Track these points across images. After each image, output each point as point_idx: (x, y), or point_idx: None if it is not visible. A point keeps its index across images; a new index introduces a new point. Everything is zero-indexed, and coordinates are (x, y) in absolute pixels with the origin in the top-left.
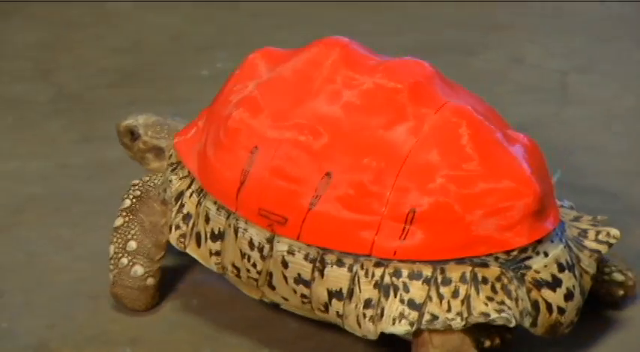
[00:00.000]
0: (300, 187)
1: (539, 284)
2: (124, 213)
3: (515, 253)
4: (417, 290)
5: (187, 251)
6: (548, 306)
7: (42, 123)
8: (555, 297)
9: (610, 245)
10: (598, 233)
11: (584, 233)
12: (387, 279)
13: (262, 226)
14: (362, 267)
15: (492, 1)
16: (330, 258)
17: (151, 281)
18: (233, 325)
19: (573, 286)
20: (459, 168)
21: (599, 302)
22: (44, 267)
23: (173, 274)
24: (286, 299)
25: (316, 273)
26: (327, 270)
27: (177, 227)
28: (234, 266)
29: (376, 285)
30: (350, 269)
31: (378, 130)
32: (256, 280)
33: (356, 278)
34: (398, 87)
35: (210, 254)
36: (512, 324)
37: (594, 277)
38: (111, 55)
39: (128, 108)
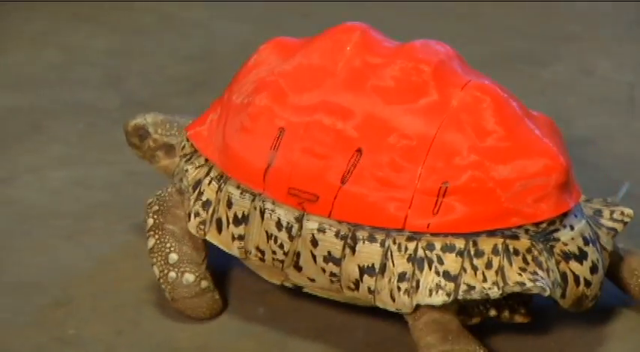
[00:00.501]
0: (331, 164)
1: (567, 257)
2: (152, 232)
3: (544, 225)
4: (452, 263)
5: (207, 237)
6: (576, 278)
7: (111, 130)
8: (582, 269)
9: (625, 223)
10: (612, 212)
11: (599, 212)
12: (420, 253)
13: (292, 205)
14: (394, 242)
15: (563, 13)
16: (361, 234)
17: (204, 283)
18: (299, 333)
19: (597, 259)
20: (489, 143)
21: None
22: (112, 274)
23: (238, 283)
24: (313, 280)
25: (347, 250)
26: (359, 246)
27: (197, 214)
28: (258, 249)
29: (410, 259)
30: (382, 244)
31: (406, 108)
32: (282, 261)
33: (389, 253)
34: (422, 67)
35: (233, 238)
36: (547, 293)
37: (611, 254)
38: (181, 63)
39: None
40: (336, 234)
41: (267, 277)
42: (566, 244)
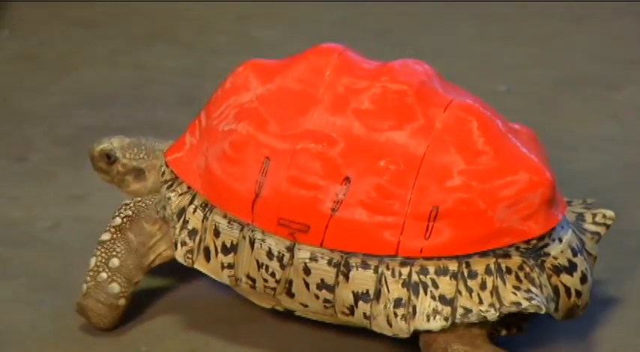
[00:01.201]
0: (320, 194)
1: (558, 270)
2: (113, 230)
3: (534, 242)
4: (446, 286)
5: (195, 266)
6: (567, 290)
7: None
8: (573, 281)
9: (607, 226)
10: (594, 215)
11: (581, 216)
12: (414, 277)
13: (282, 235)
14: (387, 268)
15: (636, 35)
16: (354, 260)
17: (122, 302)
18: None
19: (586, 269)
20: (476, 164)
21: None
22: (185, 292)
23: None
24: (305, 306)
25: (340, 277)
26: (352, 273)
27: (184, 243)
28: (248, 277)
29: (404, 284)
30: (375, 270)
31: (390, 132)
32: (274, 289)
33: (382, 279)
34: (404, 88)
35: (223, 267)
36: (543, 311)
37: (596, 259)
38: None
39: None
40: (329, 262)
41: (257, 301)
42: (556, 258)
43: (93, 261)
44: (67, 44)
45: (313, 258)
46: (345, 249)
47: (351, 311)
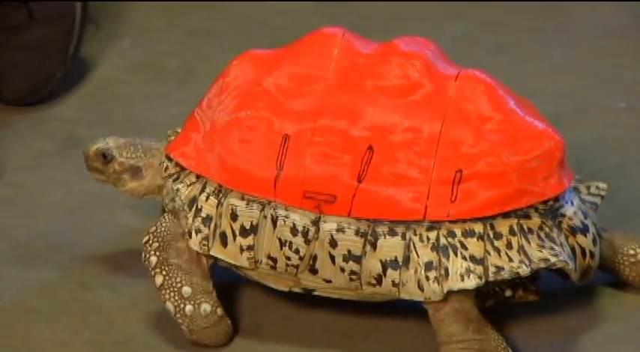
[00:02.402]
0: (345, 164)
1: (574, 231)
2: (158, 269)
3: (551, 203)
4: (475, 247)
5: (212, 252)
6: (582, 251)
7: None
8: (587, 242)
9: (602, 197)
10: (589, 187)
11: (576, 189)
12: (442, 241)
13: (308, 208)
14: (415, 233)
15: None
16: (381, 229)
17: (219, 311)
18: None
19: (595, 232)
20: (493, 128)
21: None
22: (300, 302)
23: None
24: (329, 281)
25: (368, 247)
26: (380, 241)
27: (198, 231)
28: (269, 257)
29: (433, 248)
30: (403, 236)
31: (408, 102)
32: (297, 266)
33: (411, 245)
34: (415, 62)
35: (242, 250)
36: (570, 266)
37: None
38: None
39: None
40: (356, 232)
41: (273, 285)
42: (571, 219)
43: (170, 306)
44: (189, 54)
45: (340, 229)
46: (373, 217)
47: (379, 280)
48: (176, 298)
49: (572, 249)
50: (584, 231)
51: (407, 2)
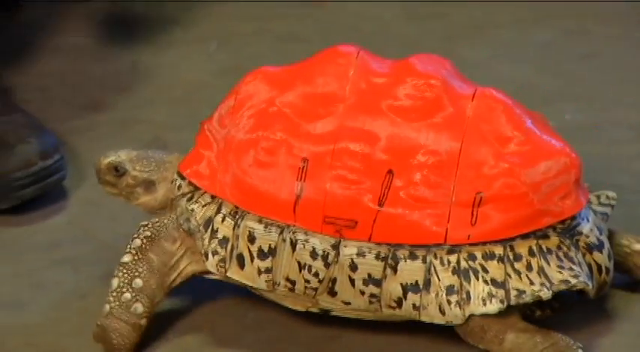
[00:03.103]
0: (365, 189)
1: (590, 248)
2: (134, 251)
3: (568, 221)
4: (495, 270)
5: (228, 274)
6: (599, 268)
7: None
8: (603, 258)
9: (612, 206)
10: (598, 197)
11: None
12: (463, 264)
13: (328, 233)
14: (435, 257)
15: None
16: (402, 252)
17: (144, 322)
18: None
19: (609, 247)
20: (511, 148)
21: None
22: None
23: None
24: (347, 303)
25: (388, 270)
26: (401, 265)
27: (215, 252)
28: (288, 280)
29: (454, 271)
30: (424, 260)
31: (426, 124)
32: (315, 289)
33: (432, 268)
34: (433, 82)
35: (260, 272)
36: (590, 287)
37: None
38: None
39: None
40: (377, 256)
41: (290, 305)
42: (587, 236)
43: (115, 282)
44: (277, 59)
45: (360, 254)
46: (394, 241)
47: (399, 303)
48: (125, 281)
49: (589, 266)
50: (600, 247)
51: (495, 9)
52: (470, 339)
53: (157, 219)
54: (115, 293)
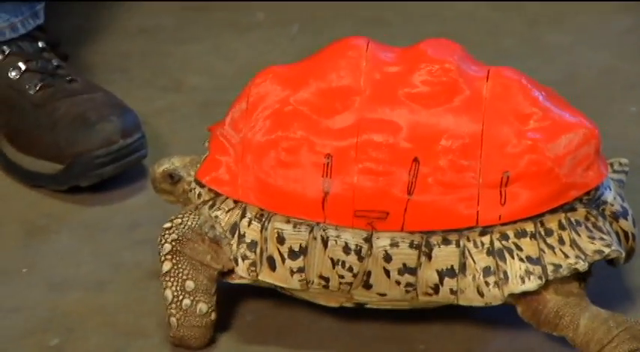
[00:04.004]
0: (393, 179)
1: (616, 216)
2: (169, 257)
3: (592, 192)
4: (529, 247)
5: (260, 277)
6: (625, 235)
7: None
8: (628, 225)
9: (626, 173)
10: (612, 164)
11: None
12: (497, 244)
13: (360, 227)
14: (468, 240)
15: None
16: (435, 239)
17: (214, 315)
18: None
19: (633, 213)
20: (532, 125)
21: None
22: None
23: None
24: (383, 295)
25: (423, 258)
26: (435, 252)
27: (245, 257)
28: (321, 277)
29: (489, 252)
30: (457, 244)
31: (446, 109)
32: (350, 284)
33: (466, 252)
34: (448, 66)
35: (292, 272)
36: (623, 255)
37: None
38: None
39: None
40: (410, 245)
41: (324, 302)
42: (612, 204)
43: (168, 293)
44: None
45: (394, 244)
46: (426, 228)
47: (436, 290)
48: (177, 288)
49: (617, 234)
50: (625, 214)
51: None
52: (544, 327)
53: (179, 220)
54: (173, 305)
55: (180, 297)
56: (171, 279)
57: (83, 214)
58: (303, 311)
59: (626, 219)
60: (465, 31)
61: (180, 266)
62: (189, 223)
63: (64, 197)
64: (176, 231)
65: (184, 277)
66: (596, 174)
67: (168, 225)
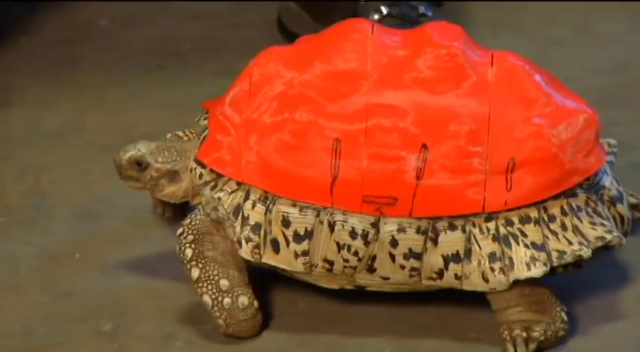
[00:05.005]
0: (402, 165)
1: (614, 201)
2: (194, 262)
3: (592, 177)
4: (534, 233)
5: (264, 260)
6: (621, 219)
7: None
8: (624, 209)
9: (615, 154)
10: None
11: None
12: (502, 230)
13: (368, 212)
14: (474, 225)
15: None
16: (441, 224)
17: (256, 303)
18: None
19: (627, 197)
20: (536, 110)
21: None
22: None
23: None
24: (386, 278)
25: (429, 243)
26: (441, 237)
27: (249, 239)
28: (326, 260)
29: (494, 238)
30: (463, 230)
31: (452, 94)
32: (354, 268)
33: (471, 237)
34: (454, 51)
35: (296, 255)
36: (623, 242)
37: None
38: (594, 76)
39: (622, 128)
40: (417, 231)
41: (325, 284)
42: (610, 189)
43: (207, 299)
44: None
45: (401, 229)
46: (434, 214)
47: (440, 275)
48: (214, 291)
49: (614, 219)
50: (622, 199)
51: None
52: None
53: (188, 220)
54: (216, 308)
55: (220, 298)
56: (205, 284)
57: (135, 199)
58: (354, 298)
59: (622, 204)
60: (518, 18)
61: (208, 268)
62: (198, 217)
63: (116, 181)
64: (190, 232)
65: (216, 278)
66: (596, 159)
67: (180, 230)
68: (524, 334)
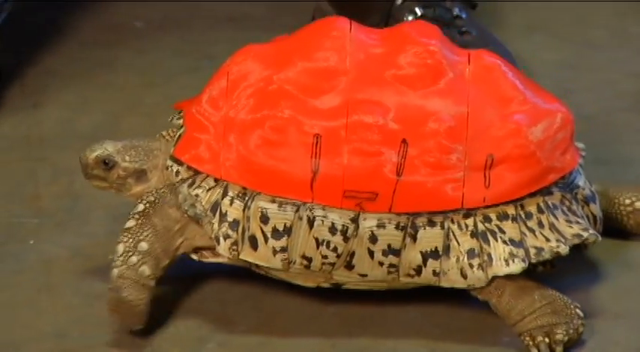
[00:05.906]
0: (383, 160)
1: (587, 200)
2: (137, 216)
3: (567, 176)
4: (511, 230)
5: (242, 256)
6: (594, 219)
7: None
8: (596, 209)
9: (583, 157)
10: None
11: None
12: (480, 227)
13: (348, 207)
14: (452, 222)
15: None
16: (420, 221)
17: (152, 283)
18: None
19: (597, 197)
20: (514, 108)
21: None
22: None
23: None
24: (364, 275)
25: (408, 240)
26: (420, 233)
27: (227, 236)
28: (304, 257)
29: (473, 235)
30: (442, 226)
31: (431, 91)
32: (333, 264)
33: (450, 234)
34: (432, 49)
35: (275, 252)
36: (599, 239)
37: None
38: (631, 79)
39: None
40: (397, 226)
41: (301, 282)
42: (583, 189)
43: (120, 247)
44: None
45: (380, 225)
46: (413, 210)
47: (418, 271)
48: (131, 246)
49: (588, 218)
50: (594, 199)
51: None
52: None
53: (161, 186)
54: (121, 258)
55: (130, 254)
56: (129, 235)
57: None
58: (387, 302)
59: (595, 203)
60: (553, 22)
61: (142, 227)
62: (169, 191)
63: None
64: (155, 195)
65: (141, 237)
66: (572, 158)
67: (150, 190)
68: (547, 339)
